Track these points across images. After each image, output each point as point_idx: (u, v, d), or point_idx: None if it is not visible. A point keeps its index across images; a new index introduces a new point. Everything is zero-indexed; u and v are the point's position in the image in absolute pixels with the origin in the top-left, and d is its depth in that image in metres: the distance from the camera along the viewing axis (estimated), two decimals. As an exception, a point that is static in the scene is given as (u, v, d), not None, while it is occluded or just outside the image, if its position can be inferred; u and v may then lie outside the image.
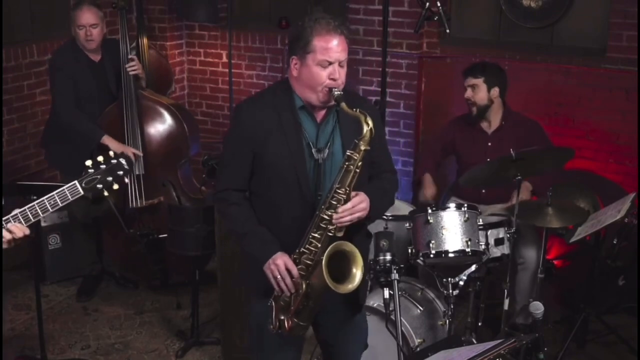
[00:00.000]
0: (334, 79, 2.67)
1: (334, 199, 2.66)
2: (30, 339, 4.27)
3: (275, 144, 2.73)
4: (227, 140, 2.90)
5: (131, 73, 4.58)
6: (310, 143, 2.75)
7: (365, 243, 2.98)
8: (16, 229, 2.50)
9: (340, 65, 2.69)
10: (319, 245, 2.70)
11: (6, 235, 2.50)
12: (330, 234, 2.69)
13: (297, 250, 2.74)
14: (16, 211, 2.54)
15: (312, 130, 2.77)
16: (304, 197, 2.75)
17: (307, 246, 2.71)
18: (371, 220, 2.86)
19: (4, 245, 2.52)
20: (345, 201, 2.66)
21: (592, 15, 5.10)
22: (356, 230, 2.79)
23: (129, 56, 4.60)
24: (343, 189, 2.65)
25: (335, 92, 2.66)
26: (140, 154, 4.60)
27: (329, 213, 2.67)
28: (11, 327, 4.46)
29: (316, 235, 2.70)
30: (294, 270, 2.72)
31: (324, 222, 2.68)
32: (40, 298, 3.94)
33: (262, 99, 2.81)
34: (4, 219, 2.52)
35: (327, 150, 2.76)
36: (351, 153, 2.64)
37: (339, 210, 2.66)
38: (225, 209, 2.85)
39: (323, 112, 2.78)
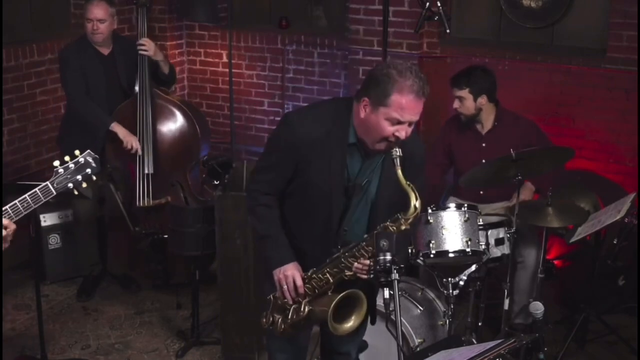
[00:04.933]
0: (397, 137, 2.60)
1: (359, 253, 2.71)
2: (30, 339, 4.27)
3: (317, 170, 2.71)
4: (273, 144, 2.83)
5: (142, 53, 4.59)
6: (350, 177, 2.75)
7: None
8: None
9: (409, 125, 2.61)
10: (331, 280, 2.77)
11: None
12: (345, 278, 2.76)
13: (308, 274, 2.80)
14: None
15: (357, 165, 2.75)
16: (329, 224, 2.79)
17: (320, 275, 2.78)
18: None
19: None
20: (370, 257, 2.70)
21: (592, 15, 5.11)
22: None
23: (140, 41, 4.61)
24: (370, 248, 2.68)
25: (395, 154, 2.60)
26: (140, 151, 4.60)
27: (350, 261, 2.72)
28: (11, 327, 4.46)
29: (332, 272, 2.77)
30: (300, 288, 2.79)
31: (342, 265, 2.74)
32: (40, 298, 3.93)
33: (319, 118, 2.72)
34: None
35: (362, 188, 2.77)
36: (389, 225, 2.65)
37: (361, 262, 2.70)
38: (254, 207, 2.88)
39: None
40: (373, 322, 3.08)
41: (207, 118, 6.31)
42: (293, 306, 2.82)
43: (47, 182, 2.60)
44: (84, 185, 2.66)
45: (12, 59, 5.16)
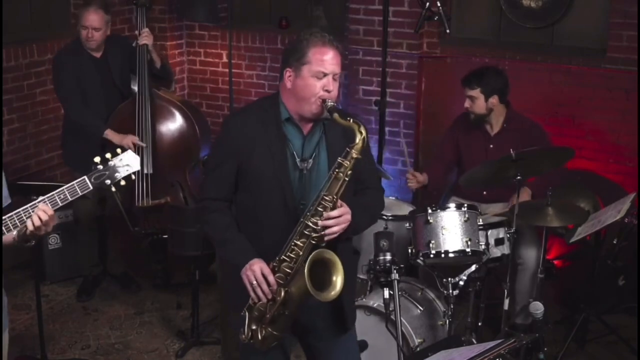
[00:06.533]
0: (327, 91, 2.68)
1: (321, 206, 2.65)
2: (30, 339, 4.27)
3: (259, 157, 2.74)
4: (213, 150, 2.94)
5: (142, 42, 4.62)
6: (295, 154, 2.76)
7: (353, 260, 2.98)
8: (41, 212, 2.54)
9: (334, 78, 2.71)
10: (301, 253, 2.69)
11: (35, 222, 2.53)
12: (313, 242, 2.68)
13: (277, 258, 2.73)
14: (18, 210, 2.57)
15: (298, 141, 2.78)
16: (288, 207, 2.75)
17: (289, 254, 2.71)
18: (347, 235, 2.81)
19: (34, 230, 2.55)
20: (332, 209, 2.66)
21: (592, 15, 5.11)
22: (339, 242, 2.77)
23: (143, 29, 4.65)
24: (330, 197, 2.65)
25: (329, 103, 2.68)
26: (143, 143, 4.60)
27: (314, 220, 2.66)
28: (11, 327, 4.45)
29: (299, 242, 2.69)
30: (271, 277, 2.71)
31: (308, 229, 2.67)
32: (40, 298, 3.94)
33: (250, 113, 2.83)
34: (15, 212, 2.56)
35: (311, 161, 2.77)
36: (342, 160, 2.64)
37: (325, 216, 2.65)
38: (206, 217, 2.86)
39: (310, 125, 2.79)
40: (345, 329, 2.96)
41: (207, 118, 6.34)
42: (269, 303, 2.74)
43: (85, 177, 2.60)
44: (123, 182, 2.66)
45: (12, 59, 5.16)
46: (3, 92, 5.04)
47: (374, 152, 4.70)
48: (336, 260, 2.71)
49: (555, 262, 4.76)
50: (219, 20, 6.01)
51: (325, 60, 2.68)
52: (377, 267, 3.45)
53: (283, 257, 2.71)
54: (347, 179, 2.64)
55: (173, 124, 4.77)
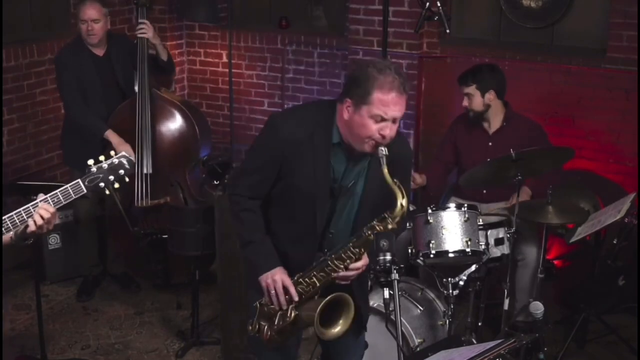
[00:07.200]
0: (383, 136, 2.59)
1: (347, 254, 2.68)
2: (30, 339, 4.27)
3: (302, 172, 2.70)
4: (257, 149, 2.83)
5: (141, 35, 4.61)
6: (335, 179, 2.73)
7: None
8: (43, 211, 2.54)
9: (393, 122, 2.60)
10: (318, 284, 2.74)
11: (37, 220, 2.54)
12: (331, 280, 2.73)
13: (295, 278, 2.76)
14: (19, 209, 2.57)
15: (341, 167, 2.74)
16: (315, 227, 2.77)
17: (306, 279, 2.74)
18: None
19: (32, 229, 2.56)
20: (356, 260, 2.70)
21: (592, 15, 5.11)
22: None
23: (140, 20, 4.65)
24: (357, 250, 2.67)
25: (381, 153, 2.58)
26: (133, 158, 4.58)
27: (336, 263, 2.69)
28: (11, 327, 4.46)
29: (318, 276, 2.73)
30: (292, 289, 2.74)
31: (329, 268, 2.71)
32: (40, 298, 3.94)
33: (303, 120, 2.71)
34: (15, 212, 2.57)
35: (348, 190, 2.76)
36: (376, 224, 2.63)
37: (351, 266, 2.70)
38: (238, 212, 2.84)
39: (357, 153, 2.73)
40: (363, 329, 3.07)
41: (207, 118, 6.34)
42: (279, 312, 2.78)
43: (79, 180, 2.62)
44: (117, 185, 2.67)
45: (12, 59, 5.16)
46: (3, 92, 5.04)
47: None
48: (351, 308, 2.76)
49: (555, 262, 4.76)
50: (219, 20, 6.02)
51: (387, 106, 2.55)
52: (377, 267, 3.45)
53: (301, 280, 2.76)
54: None
55: (173, 124, 4.77)
